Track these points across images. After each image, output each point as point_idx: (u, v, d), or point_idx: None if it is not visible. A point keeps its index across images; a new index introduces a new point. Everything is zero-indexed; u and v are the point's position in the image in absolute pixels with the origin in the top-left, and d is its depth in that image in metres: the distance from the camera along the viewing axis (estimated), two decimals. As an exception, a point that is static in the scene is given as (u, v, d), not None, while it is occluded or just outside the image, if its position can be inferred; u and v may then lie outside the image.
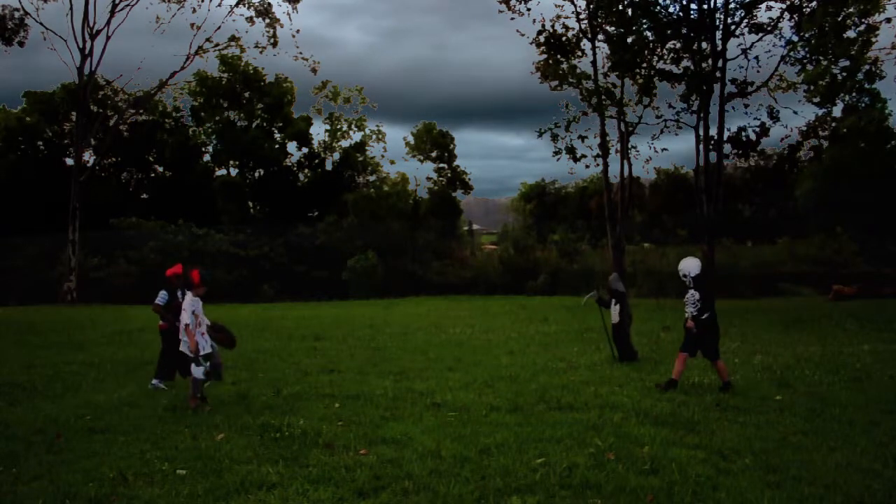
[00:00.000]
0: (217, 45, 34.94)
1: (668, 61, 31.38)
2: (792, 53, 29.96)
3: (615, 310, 11.14)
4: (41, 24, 31.53)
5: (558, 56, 31.79)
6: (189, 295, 7.91)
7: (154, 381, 9.42)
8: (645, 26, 30.78)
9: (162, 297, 9.61)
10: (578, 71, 31.75)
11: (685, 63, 31.14)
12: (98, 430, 6.83)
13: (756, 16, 30.37)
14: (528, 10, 31.75)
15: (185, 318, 7.78)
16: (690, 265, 8.55)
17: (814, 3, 28.61)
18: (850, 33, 28.62)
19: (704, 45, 30.78)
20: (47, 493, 4.99)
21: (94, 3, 31.50)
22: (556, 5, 32.02)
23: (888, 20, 28.04)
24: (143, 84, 37.71)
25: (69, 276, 30.38)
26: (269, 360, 11.92)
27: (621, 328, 11.10)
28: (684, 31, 30.79)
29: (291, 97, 43.80)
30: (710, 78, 30.26)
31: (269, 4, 34.10)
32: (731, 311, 20.10)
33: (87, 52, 31.49)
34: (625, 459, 5.50)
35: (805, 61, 29.82)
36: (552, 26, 31.55)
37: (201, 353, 7.79)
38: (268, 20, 34.27)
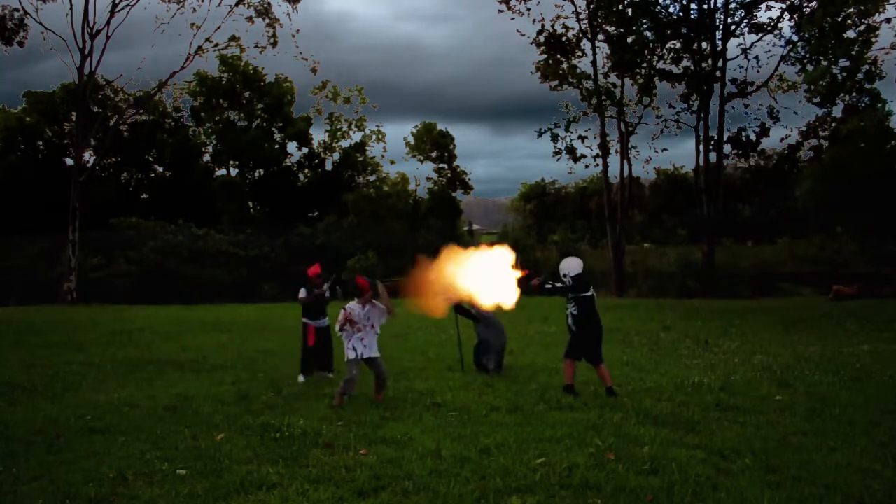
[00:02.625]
0: (217, 45, 34.88)
1: (668, 61, 31.42)
2: (792, 53, 29.99)
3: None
4: (41, 24, 31.50)
5: (558, 56, 31.81)
6: (353, 303, 7.97)
7: (324, 373, 9.84)
8: (645, 26, 30.81)
9: (303, 292, 9.94)
10: (578, 71, 31.78)
11: (685, 63, 31.17)
12: (98, 430, 6.82)
13: (756, 16, 30.42)
14: (528, 10, 31.77)
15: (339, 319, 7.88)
16: (571, 265, 8.36)
17: (814, 3, 28.63)
18: (850, 33, 28.65)
19: (704, 45, 30.80)
20: (47, 493, 4.98)
21: (94, 3, 31.41)
22: (556, 5, 32.03)
23: (888, 20, 28.08)
24: (143, 84, 37.66)
25: (69, 276, 30.35)
26: (269, 360, 11.93)
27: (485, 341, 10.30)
28: (684, 31, 30.82)
29: (291, 97, 43.80)
30: (710, 78, 30.27)
31: (269, 4, 34.05)
32: (731, 311, 20.10)
33: (87, 52, 31.41)
34: (625, 459, 5.50)
35: (805, 61, 29.83)
36: (552, 26, 31.60)
37: (353, 356, 7.86)
38: (268, 20, 34.22)
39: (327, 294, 10.17)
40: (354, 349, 7.87)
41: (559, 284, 8.32)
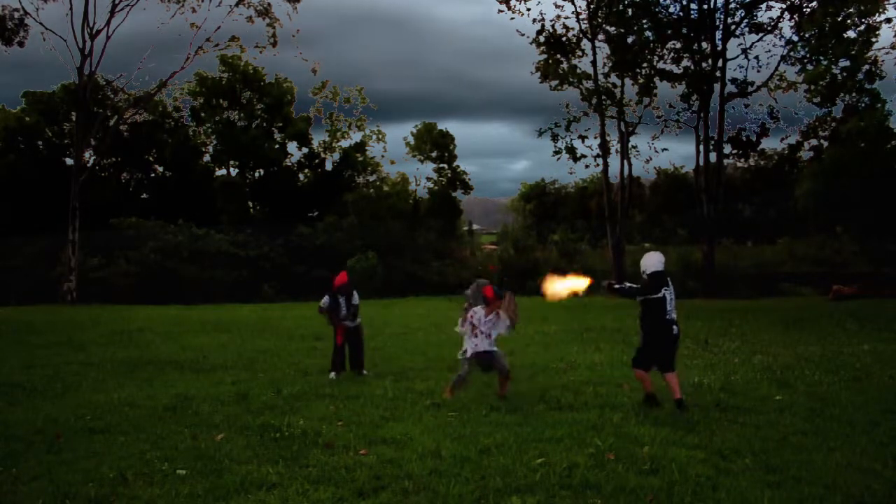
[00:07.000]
0: (217, 45, 34.86)
1: (668, 61, 31.40)
2: (792, 53, 29.97)
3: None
4: (41, 24, 31.49)
5: (558, 56, 31.79)
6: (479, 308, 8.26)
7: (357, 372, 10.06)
8: (645, 26, 30.78)
9: (325, 301, 10.16)
10: (579, 71, 31.75)
11: (685, 63, 31.15)
12: (98, 430, 6.82)
13: (756, 16, 30.39)
14: (528, 10, 31.76)
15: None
16: (649, 261, 7.67)
17: (814, 3, 28.62)
18: (850, 33, 28.63)
19: (704, 45, 30.78)
20: (47, 493, 4.98)
21: (94, 3, 31.42)
22: (556, 5, 31.97)
23: (888, 20, 28.08)
24: (143, 84, 37.66)
25: (69, 276, 30.34)
26: (269, 360, 11.91)
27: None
28: (684, 31, 30.80)
29: (291, 97, 43.83)
30: (710, 78, 30.26)
31: (269, 4, 34.04)
32: (731, 311, 20.10)
33: (87, 52, 31.42)
34: (625, 459, 5.50)
35: (805, 61, 29.82)
36: (552, 26, 31.58)
37: (467, 355, 8.14)
38: (268, 20, 34.21)
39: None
40: (467, 348, 8.22)
41: (628, 285, 7.79)
